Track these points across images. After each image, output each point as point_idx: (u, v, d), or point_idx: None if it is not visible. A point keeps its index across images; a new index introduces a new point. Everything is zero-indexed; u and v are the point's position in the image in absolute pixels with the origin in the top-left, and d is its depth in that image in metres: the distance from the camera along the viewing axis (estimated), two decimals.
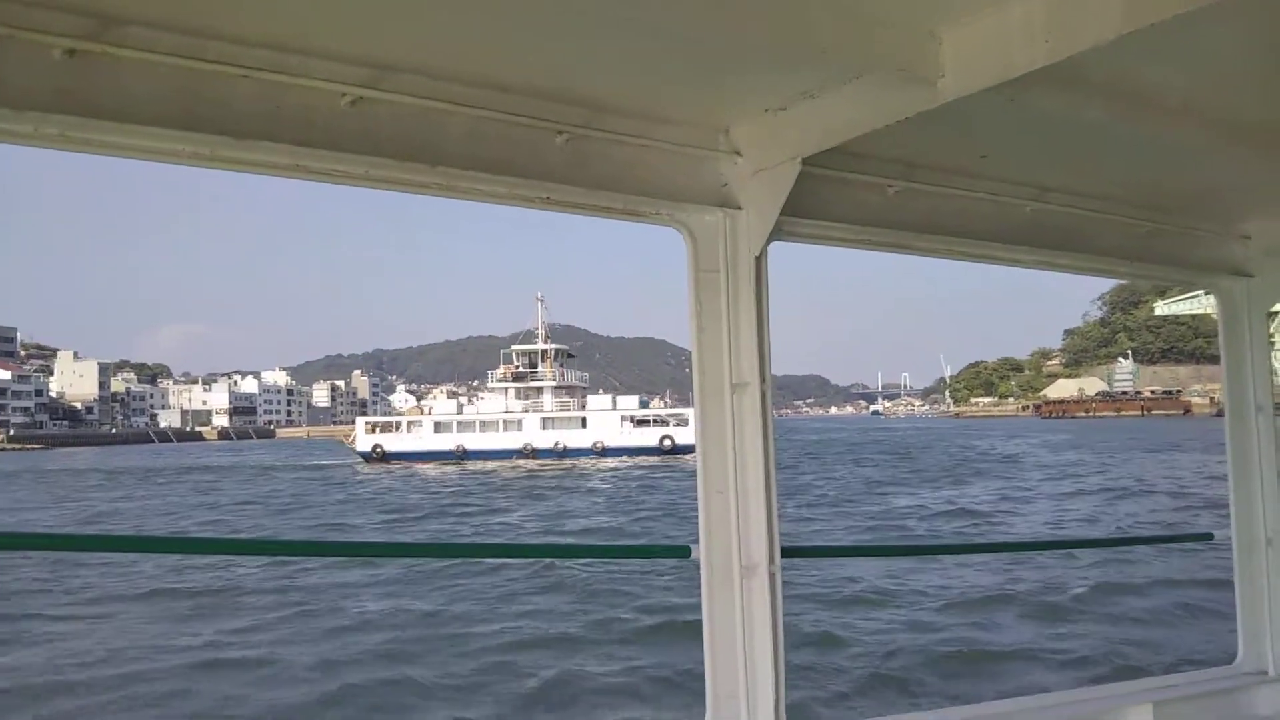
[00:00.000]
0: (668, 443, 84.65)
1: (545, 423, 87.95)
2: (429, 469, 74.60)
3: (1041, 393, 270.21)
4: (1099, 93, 3.20)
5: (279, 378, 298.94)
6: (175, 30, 2.57)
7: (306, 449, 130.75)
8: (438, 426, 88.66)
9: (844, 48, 2.73)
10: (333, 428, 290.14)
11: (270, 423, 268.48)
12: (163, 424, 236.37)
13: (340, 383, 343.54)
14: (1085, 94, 3.19)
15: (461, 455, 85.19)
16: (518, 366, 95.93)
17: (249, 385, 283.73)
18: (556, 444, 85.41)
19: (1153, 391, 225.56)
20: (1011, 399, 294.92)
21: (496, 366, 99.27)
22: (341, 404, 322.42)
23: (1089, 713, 4.58)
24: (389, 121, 2.95)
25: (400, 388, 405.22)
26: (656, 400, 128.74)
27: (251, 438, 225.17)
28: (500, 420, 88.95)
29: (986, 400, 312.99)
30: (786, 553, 3.76)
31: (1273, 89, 3.32)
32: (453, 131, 3.07)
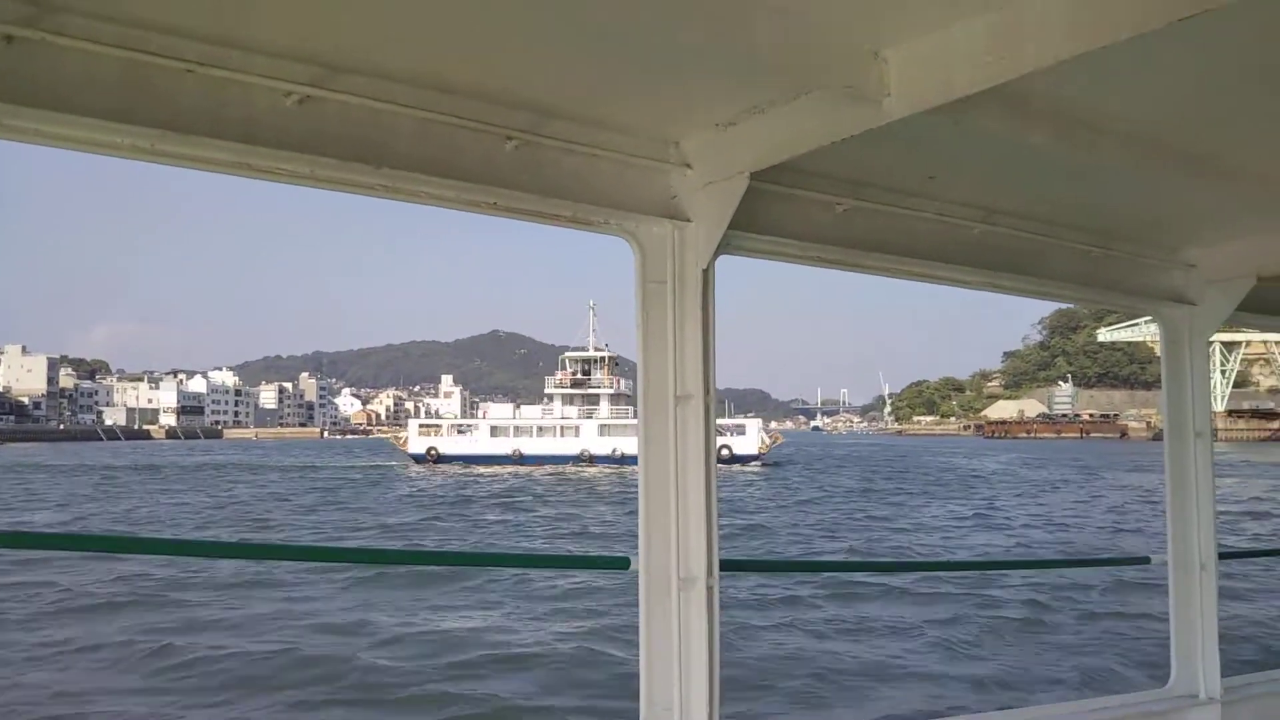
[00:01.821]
0: (725, 452, 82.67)
1: (602, 429, 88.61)
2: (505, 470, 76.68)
3: (983, 413, 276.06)
4: (1044, 117, 3.23)
5: (226, 378, 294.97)
6: (116, 20, 2.53)
7: (358, 449, 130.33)
8: (494, 430, 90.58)
9: (790, 65, 2.75)
10: (281, 429, 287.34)
11: (218, 423, 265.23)
12: (109, 421, 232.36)
13: (288, 385, 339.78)
14: (1030, 118, 3.20)
15: (519, 459, 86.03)
16: (574, 373, 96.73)
17: (197, 384, 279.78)
18: (614, 450, 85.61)
19: (1091, 415, 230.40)
20: (954, 418, 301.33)
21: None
22: (289, 406, 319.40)
23: None
24: (335, 122, 2.90)
25: (345, 391, 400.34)
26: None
27: (199, 437, 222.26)
28: (558, 425, 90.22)
29: (929, 419, 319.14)
30: (725, 566, 3.80)
31: (1217, 118, 3.39)
32: (400, 133, 3.03)
